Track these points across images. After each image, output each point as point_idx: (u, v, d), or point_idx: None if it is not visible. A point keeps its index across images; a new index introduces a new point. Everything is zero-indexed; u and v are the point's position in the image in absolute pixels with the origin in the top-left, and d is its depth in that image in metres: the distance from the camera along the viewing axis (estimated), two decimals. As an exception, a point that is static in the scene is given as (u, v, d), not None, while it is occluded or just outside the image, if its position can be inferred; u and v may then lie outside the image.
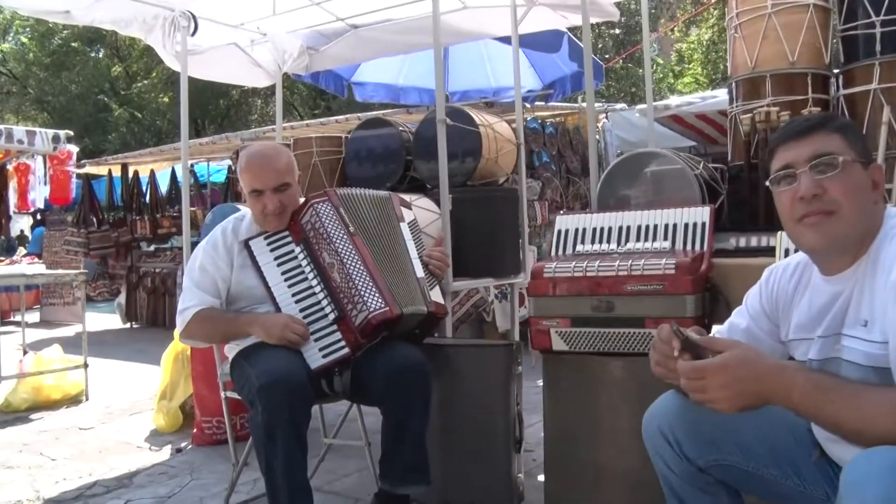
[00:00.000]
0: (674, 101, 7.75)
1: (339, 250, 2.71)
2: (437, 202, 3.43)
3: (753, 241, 2.74)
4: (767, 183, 1.68)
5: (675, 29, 17.79)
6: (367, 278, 2.67)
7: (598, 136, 6.84)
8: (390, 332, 2.74)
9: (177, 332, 3.01)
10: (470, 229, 3.49)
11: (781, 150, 1.64)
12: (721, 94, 7.49)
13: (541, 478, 2.95)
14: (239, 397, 2.73)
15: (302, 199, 2.85)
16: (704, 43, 18.23)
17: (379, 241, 2.83)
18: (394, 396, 2.58)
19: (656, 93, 16.32)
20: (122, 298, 10.12)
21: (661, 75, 19.15)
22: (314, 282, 2.70)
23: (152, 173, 10.79)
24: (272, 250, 2.78)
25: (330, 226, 2.75)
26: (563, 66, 7.02)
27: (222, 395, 3.08)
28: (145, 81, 20.88)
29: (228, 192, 10.28)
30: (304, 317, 2.67)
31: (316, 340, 2.63)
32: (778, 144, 1.66)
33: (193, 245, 3.28)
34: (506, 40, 4.89)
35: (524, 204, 4.02)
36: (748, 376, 1.44)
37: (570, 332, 2.61)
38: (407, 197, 3.28)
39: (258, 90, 22.82)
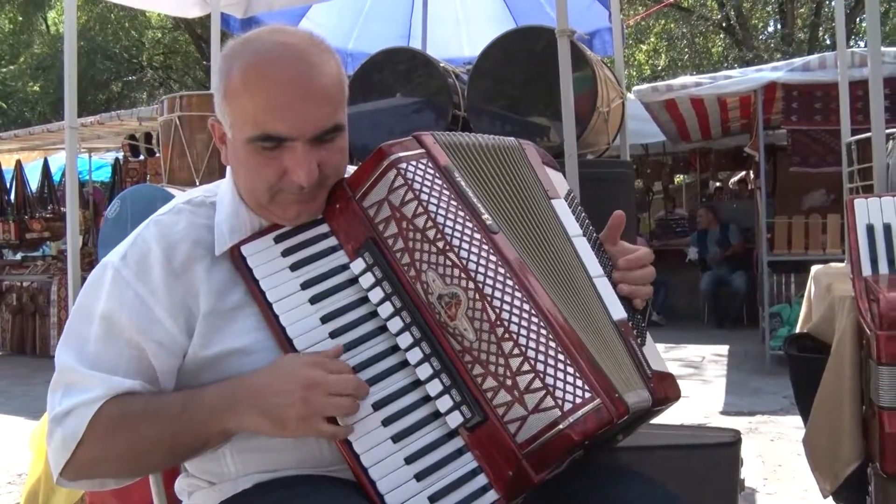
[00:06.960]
0: (680, 81, 6.51)
1: (472, 268, 1.18)
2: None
3: None
4: None
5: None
6: (546, 332, 1.15)
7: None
8: (587, 451, 1.22)
9: (53, 467, 1.26)
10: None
11: None
12: (748, 73, 6.29)
13: None
14: None
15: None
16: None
17: (539, 248, 1.29)
18: None
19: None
20: (-23, 319, 8.62)
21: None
22: (404, 339, 1.17)
23: (18, 165, 9.19)
24: (294, 267, 1.23)
25: (441, 211, 1.22)
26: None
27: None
28: (11, 67, 18.75)
29: (114, 192, 8.57)
30: (384, 422, 1.15)
31: (420, 479, 1.11)
32: None
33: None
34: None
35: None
36: None
37: None
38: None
39: (143, 81, 20.73)
